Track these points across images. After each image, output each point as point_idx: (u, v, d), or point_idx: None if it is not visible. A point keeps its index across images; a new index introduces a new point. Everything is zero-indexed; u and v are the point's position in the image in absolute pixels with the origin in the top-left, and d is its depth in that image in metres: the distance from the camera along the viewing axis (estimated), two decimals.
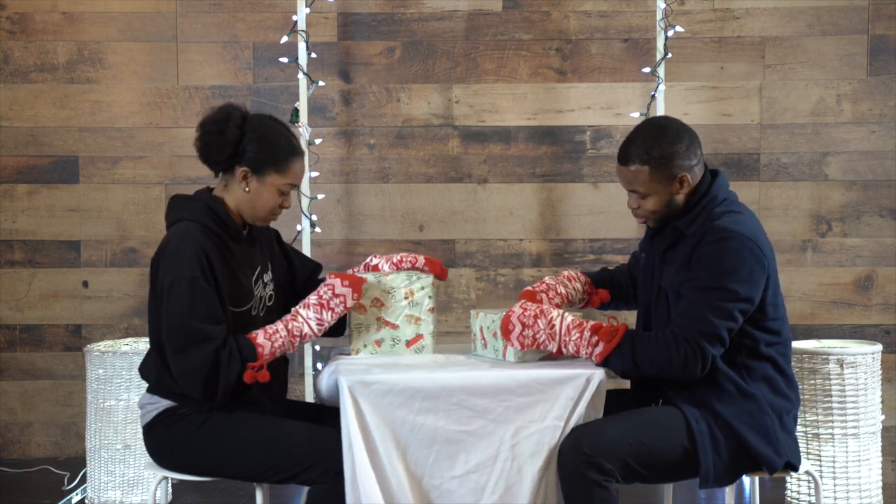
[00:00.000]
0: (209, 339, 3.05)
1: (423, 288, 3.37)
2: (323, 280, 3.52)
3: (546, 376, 3.10)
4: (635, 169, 3.17)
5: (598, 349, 3.10)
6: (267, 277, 3.32)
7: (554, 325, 3.15)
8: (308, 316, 3.21)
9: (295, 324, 3.19)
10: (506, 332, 3.20)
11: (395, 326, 3.35)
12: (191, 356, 3.04)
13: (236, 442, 3.11)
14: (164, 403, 3.19)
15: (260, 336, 3.14)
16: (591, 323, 3.16)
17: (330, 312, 3.22)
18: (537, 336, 3.16)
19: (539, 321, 3.16)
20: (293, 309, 3.23)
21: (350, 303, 3.24)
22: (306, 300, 3.23)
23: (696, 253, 3.11)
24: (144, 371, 3.27)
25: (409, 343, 3.35)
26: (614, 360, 3.10)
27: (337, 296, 3.23)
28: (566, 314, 3.18)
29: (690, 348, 3.05)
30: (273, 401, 3.25)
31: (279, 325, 3.18)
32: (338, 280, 3.25)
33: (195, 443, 3.14)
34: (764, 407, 3.14)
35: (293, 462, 3.09)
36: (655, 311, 3.27)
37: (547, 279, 3.48)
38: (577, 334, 3.13)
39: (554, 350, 3.17)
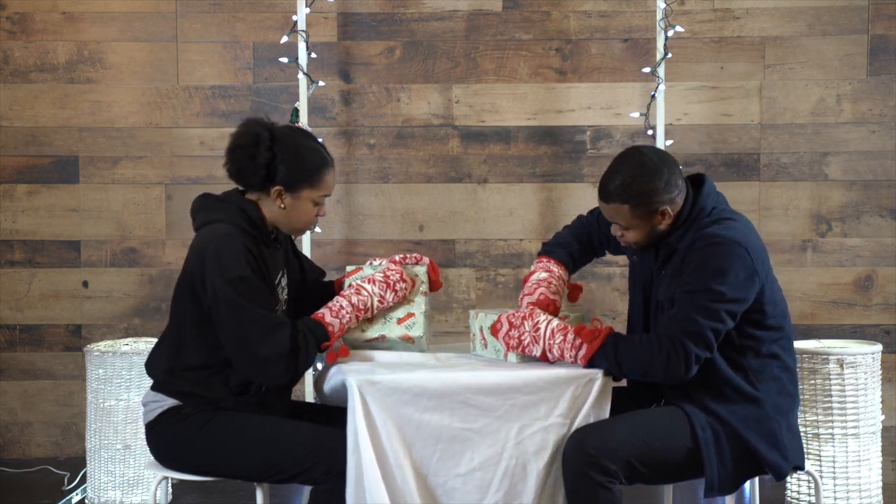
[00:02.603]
0: (283, 323, 3.08)
1: (416, 275, 3.39)
2: (330, 282, 3.54)
3: (551, 375, 3.10)
4: (616, 206, 3.17)
5: (582, 351, 3.10)
6: (284, 281, 3.33)
7: (539, 328, 3.16)
8: (373, 291, 3.26)
9: (360, 297, 3.24)
10: (494, 330, 3.23)
11: (388, 306, 3.36)
12: (272, 342, 3.05)
13: (239, 442, 3.12)
14: (168, 402, 3.19)
15: (327, 315, 3.18)
16: (575, 326, 3.16)
17: (393, 294, 3.29)
18: (522, 338, 3.17)
19: (526, 323, 3.18)
20: (354, 284, 3.27)
21: (409, 292, 3.33)
22: (371, 277, 3.28)
23: (687, 259, 3.12)
24: (151, 368, 3.26)
25: (400, 320, 3.34)
26: (598, 360, 3.10)
27: (403, 280, 3.32)
28: (553, 319, 3.18)
29: (673, 347, 3.04)
30: (277, 402, 3.26)
31: (342, 301, 3.22)
32: (403, 270, 3.34)
33: (198, 442, 3.14)
34: (770, 411, 3.14)
35: (295, 462, 3.09)
36: (654, 324, 3.27)
37: (551, 296, 3.40)
38: (561, 337, 3.13)
39: (538, 354, 3.16)
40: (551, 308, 3.32)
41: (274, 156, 3.18)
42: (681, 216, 3.18)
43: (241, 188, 3.28)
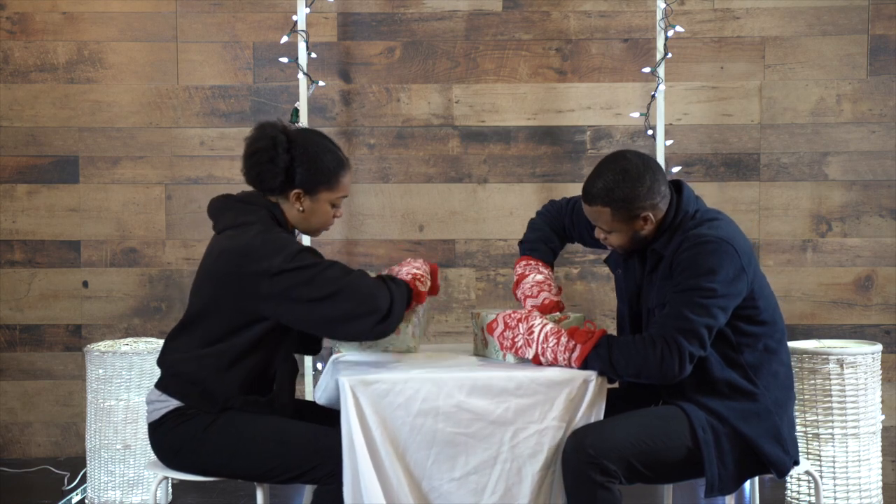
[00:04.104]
0: (363, 271, 3.14)
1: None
2: None
3: (545, 377, 3.10)
4: (598, 209, 3.19)
5: (576, 353, 3.10)
6: None
7: (533, 332, 3.16)
8: (416, 264, 3.32)
9: (407, 268, 3.28)
10: (490, 328, 3.25)
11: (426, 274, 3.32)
12: (357, 275, 3.09)
13: (242, 442, 3.12)
14: (173, 403, 3.18)
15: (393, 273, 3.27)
16: (568, 329, 3.16)
17: (427, 267, 3.32)
18: (516, 340, 3.18)
19: (521, 325, 3.19)
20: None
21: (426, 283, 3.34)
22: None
23: (675, 261, 3.13)
24: (165, 362, 3.22)
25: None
26: (591, 361, 3.10)
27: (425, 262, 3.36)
28: (548, 323, 3.18)
29: (667, 345, 3.04)
30: (284, 401, 3.25)
31: (392, 272, 3.29)
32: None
33: (201, 443, 3.13)
34: (770, 406, 3.16)
35: (298, 462, 3.10)
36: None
37: (551, 283, 3.45)
38: (555, 340, 3.13)
39: (531, 357, 3.17)
40: (557, 309, 3.35)
41: (292, 158, 3.20)
42: (665, 222, 3.20)
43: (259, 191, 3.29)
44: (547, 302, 3.37)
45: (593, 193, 3.18)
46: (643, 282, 3.28)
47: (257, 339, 3.15)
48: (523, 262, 3.50)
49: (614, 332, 3.43)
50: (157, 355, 4.41)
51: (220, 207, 3.26)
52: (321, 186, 3.23)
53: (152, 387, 3.28)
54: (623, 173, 3.16)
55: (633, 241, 3.23)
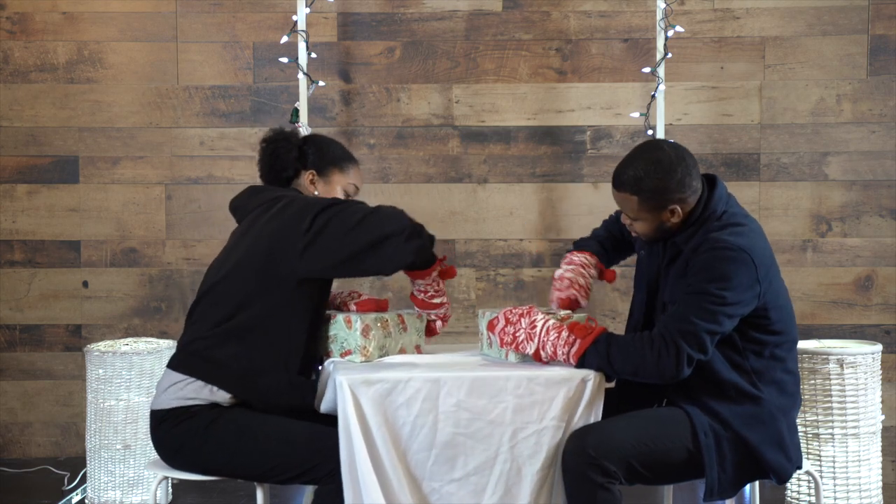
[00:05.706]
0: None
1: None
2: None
3: (543, 377, 3.09)
4: (625, 196, 3.19)
5: (575, 347, 3.10)
6: None
7: (535, 326, 3.16)
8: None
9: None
10: (491, 325, 3.26)
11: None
12: (385, 206, 3.25)
13: (244, 440, 3.12)
14: (182, 401, 3.16)
15: None
16: (570, 323, 3.17)
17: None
18: (517, 334, 3.18)
19: (523, 320, 3.19)
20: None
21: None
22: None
23: (691, 261, 3.12)
24: (193, 344, 3.22)
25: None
26: (590, 357, 3.10)
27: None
28: (550, 318, 3.18)
29: (665, 345, 3.04)
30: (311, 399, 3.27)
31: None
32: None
33: (203, 440, 3.13)
34: (773, 411, 3.15)
35: (299, 461, 3.10)
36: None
37: (566, 274, 3.46)
38: (556, 334, 3.13)
39: (531, 351, 3.16)
40: (574, 305, 3.42)
41: (304, 142, 3.47)
42: (692, 216, 3.19)
43: (276, 179, 3.45)
44: (562, 299, 3.45)
45: (622, 180, 3.18)
46: (661, 271, 3.28)
47: (285, 305, 3.17)
48: (565, 259, 3.55)
49: (620, 328, 3.43)
50: (157, 355, 4.44)
51: (253, 193, 3.42)
52: (332, 167, 3.44)
53: (167, 369, 3.24)
54: (655, 164, 3.14)
55: (657, 231, 3.22)
